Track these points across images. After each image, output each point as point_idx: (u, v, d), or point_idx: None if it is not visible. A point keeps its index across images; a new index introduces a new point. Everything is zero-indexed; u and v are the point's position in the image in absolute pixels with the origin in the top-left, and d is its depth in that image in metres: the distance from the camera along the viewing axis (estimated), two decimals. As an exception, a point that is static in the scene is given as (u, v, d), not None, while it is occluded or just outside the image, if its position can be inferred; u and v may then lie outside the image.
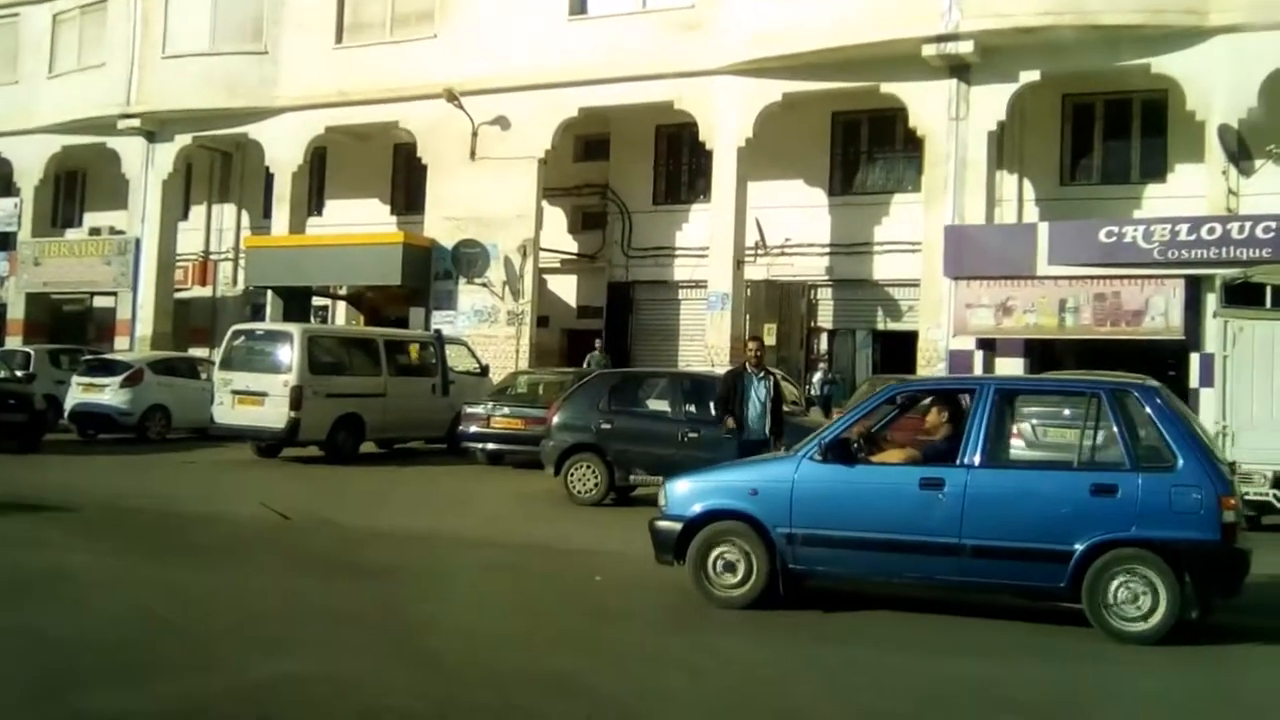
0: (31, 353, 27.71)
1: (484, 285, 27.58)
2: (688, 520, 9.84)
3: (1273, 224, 20.04)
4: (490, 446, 20.75)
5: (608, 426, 16.66)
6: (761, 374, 14.00)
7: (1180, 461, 8.71)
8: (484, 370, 24.97)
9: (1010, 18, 21.71)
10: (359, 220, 31.12)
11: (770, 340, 25.57)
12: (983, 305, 22.29)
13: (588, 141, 29.75)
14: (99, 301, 35.41)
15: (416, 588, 10.49)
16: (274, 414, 20.52)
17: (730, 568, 9.61)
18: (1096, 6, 21.15)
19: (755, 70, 24.50)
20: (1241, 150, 21.07)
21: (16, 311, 34.76)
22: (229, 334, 22.21)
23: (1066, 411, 17.58)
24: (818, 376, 25.23)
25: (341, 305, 31.67)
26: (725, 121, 25.09)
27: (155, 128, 32.43)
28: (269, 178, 31.45)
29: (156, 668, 7.35)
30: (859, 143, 26.99)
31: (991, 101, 22.73)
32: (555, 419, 17.20)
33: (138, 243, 32.88)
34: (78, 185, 37.81)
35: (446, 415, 22.30)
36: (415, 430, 23.34)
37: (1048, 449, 16.62)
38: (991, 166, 23.14)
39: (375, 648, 7.99)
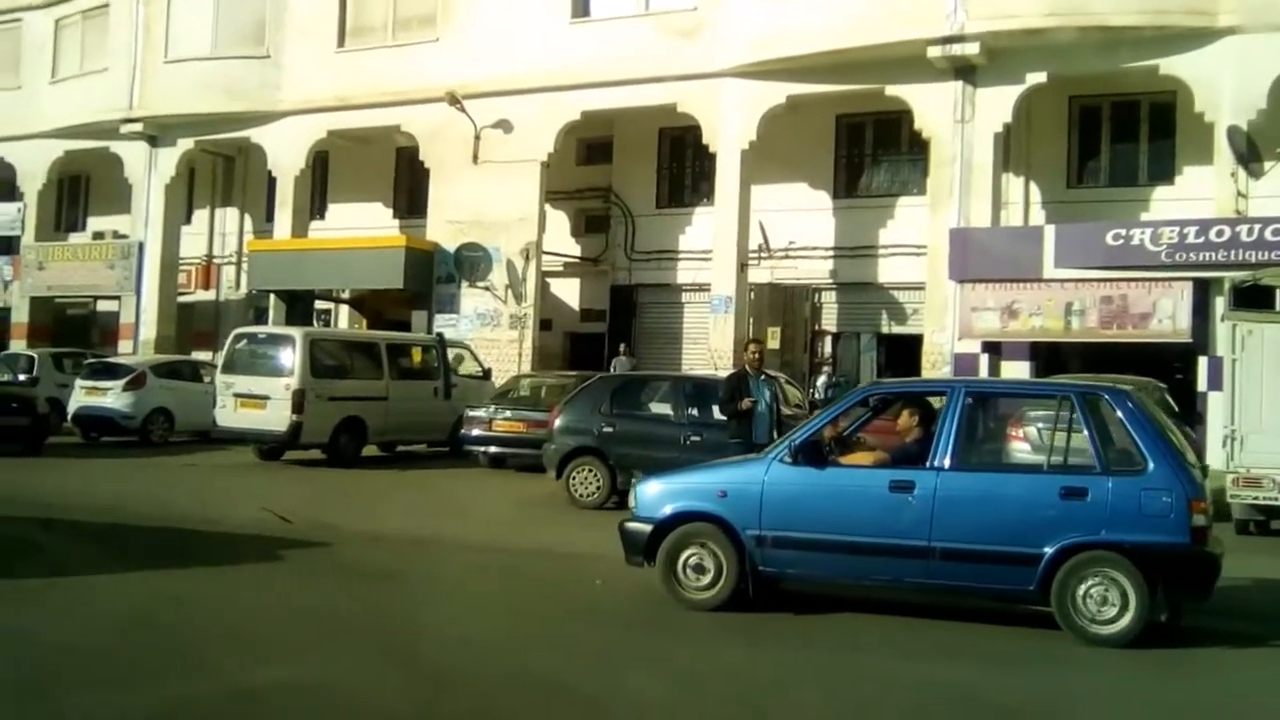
0: (35, 356, 27.61)
1: (486, 289, 27.47)
2: (658, 522, 9.83)
3: (1282, 226, 19.92)
4: (492, 450, 20.64)
5: (610, 430, 16.55)
6: (763, 378, 13.91)
7: (1150, 465, 8.70)
8: (486, 373, 24.86)
9: (1016, 19, 21.57)
10: (361, 224, 31.01)
11: (774, 344, 25.46)
12: (988, 308, 22.16)
13: (590, 144, 29.62)
14: (103, 305, 35.35)
15: (413, 592, 10.37)
16: (276, 417, 20.43)
17: (700, 570, 9.60)
18: (1103, 8, 21.00)
19: (759, 73, 24.38)
20: (1250, 152, 20.87)
21: (20, 315, 34.78)
22: (231, 337, 22.13)
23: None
24: (822, 380, 25.11)
25: (344, 309, 31.57)
26: (729, 124, 24.96)
27: (158, 132, 32.39)
28: (271, 181, 31.35)
29: (147, 673, 7.24)
30: (863, 145, 26.83)
31: (997, 103, 22.58)
32: (557, 422, 17.09)
33: (141, 246, 32.85)
34: (81, 189, 37.80)
35: (449, 418, 22.18)
36: (417, 433, 23.23)
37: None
38: (997, 169, 22.99)
39: (369, 654, 7.87)
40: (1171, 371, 20.97)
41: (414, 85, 27.92)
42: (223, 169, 34.83)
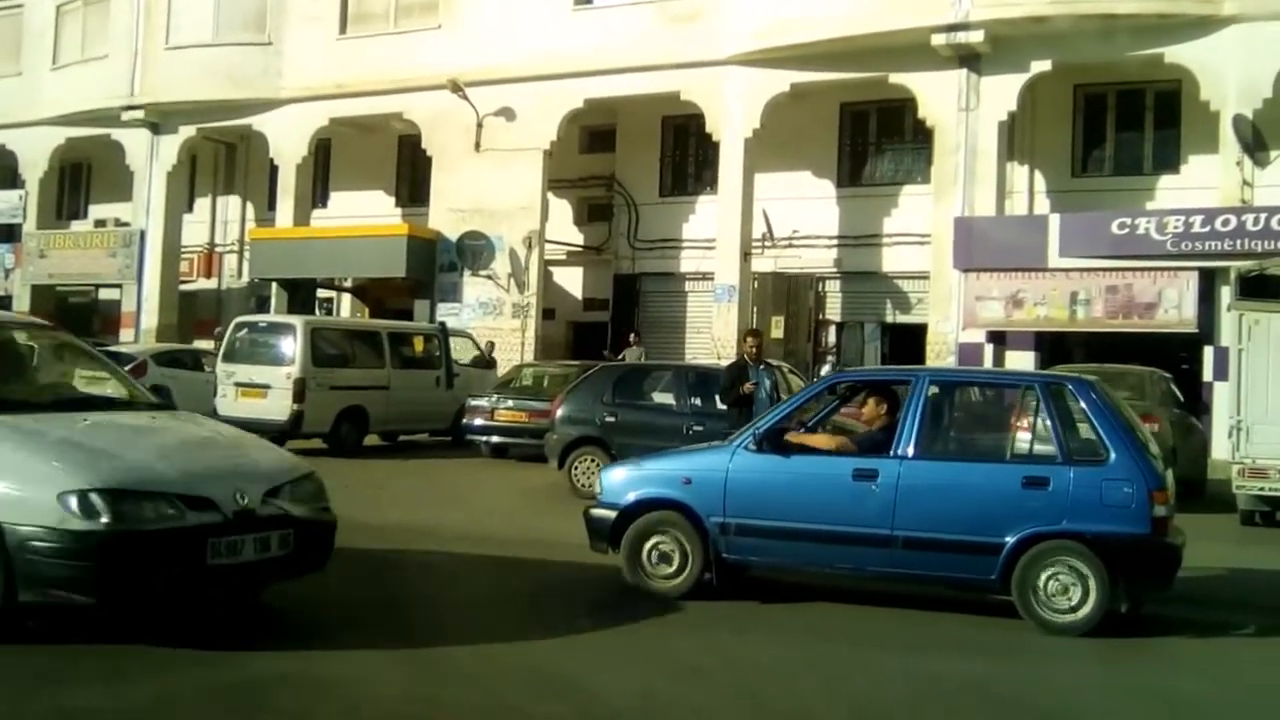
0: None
1: (489, 277, 27.40)
2: (622, 509, 9.80)
3: (1288, 215, 19.82)
4: (494, 439, 20.59)
5: (612, 419, 16.43)
6: (763, 367, 13.83)
7: (1112, 455, 8.70)
8: (489, 363, 24.78)
9: (1021, 7, 21.49)
10: (364, 212, 30.92)
11: (778, 333, 25.36)
12: (992, 298, 22.10)
13: (594, 133, 29.53)
14: (104, 294, 35.27)
15: (412, 583, 10.27)
16: (277, 406, 20.29)
17: (665, 558, 9.58)
18: (1108, -5, 20.95)
19: (763, 61, 24.28)
20: (1256, 141, 20.81)
21: (22, 304, 34.62)
22: (231, 326, 22.04)
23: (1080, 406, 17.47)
24: (825, 369, 24.90)
25: (346, 297, 31.51)
26: (732, 112, 24.87)
27: (159, 119, 32.29)
28: (273, 169, 31.30)
29: (142, 664, 7.15)
30: (868, 134, 26.75)
31: (1002, 92, 22.50)
32: (559, 412, 16.98)
33: (142, 235, 32.82)
34: (83, 177, 37.76)
35: (451, 408, 22.09)
36: (419, 423, 23.10)
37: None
38: (1002, 158, 22.91)
39: (367, 646, 7.78)
40: (1177, 361, 20.89)
41: (416, 73, 27.82)
42: (224, 157, 34.77)
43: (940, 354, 22.62)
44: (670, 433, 15.82)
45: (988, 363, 22.23)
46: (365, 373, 21.53)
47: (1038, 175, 24.19)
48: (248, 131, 31.69)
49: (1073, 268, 21.49)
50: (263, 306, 30.39)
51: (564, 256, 29.38)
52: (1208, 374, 20.74)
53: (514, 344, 26.53)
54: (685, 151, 28.68)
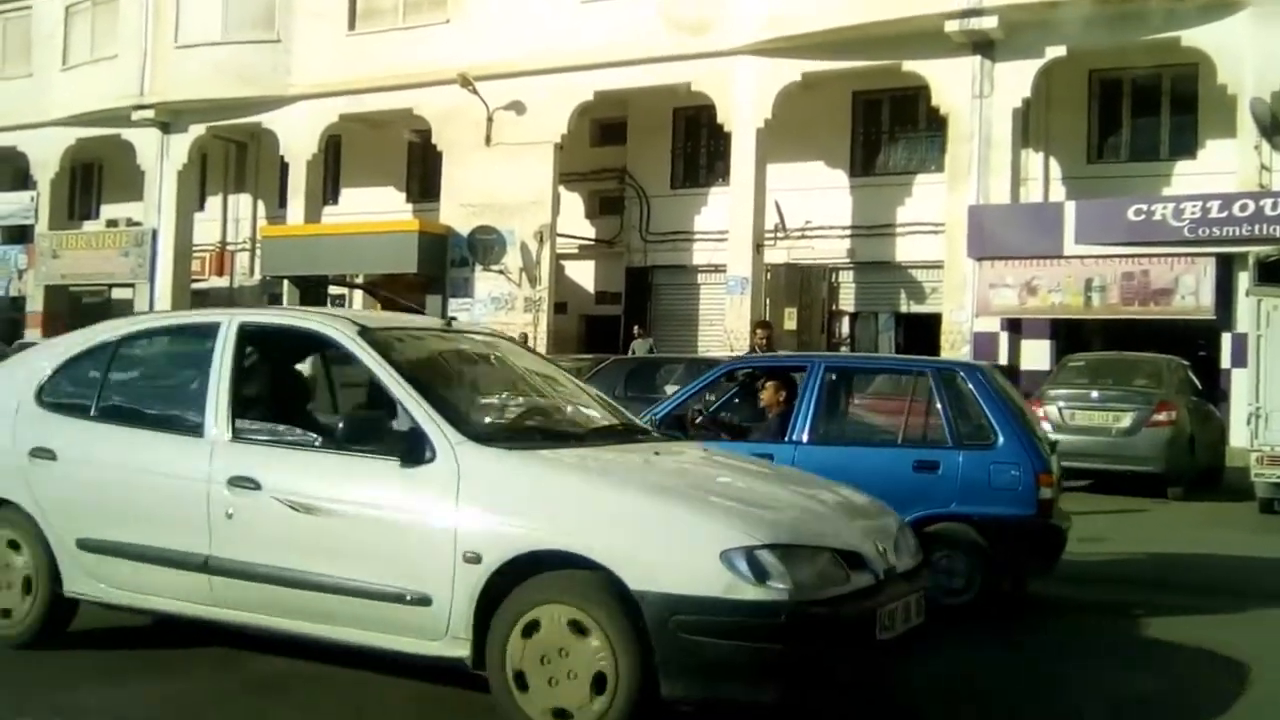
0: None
1: (501, 272, 27.25)
2: None
3: (1307, 200, 19.57)
4: (506, 435, 20.42)
5: (623, 413, 16.26)
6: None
7: (1000, 440, 8.80)
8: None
9: (1034, -9, 21.28)
10: (375, 208, 30.80)
11: (791, 324, 25.25)
12: (1006, 285, 21.88)
13: (604, 125, 29.35)
14: (117, 293, 35.18)
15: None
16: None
17: None
18: (1123, -21, 20.71)
19: (773, 50, 24.07)
20: (1274, 124, 20.51)
21: (35, 304, 34.72)
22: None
23: (1094, 395, 17.29)
24: (840, 360, 24.80)
25: (358, 294, 31.40)
26: (743, 103, 24.66)
27: (169, 118, 32.21)
28: (284, 167, 31.19)
29: (147, 664, 7.02)
30: (880, 122, 26.54)
31: (1016, 78, 22.26)
32: (570, 406, 16.82)
33: (154, 234, 32.75)
34: (94, 177, 37.70)
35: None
36: (430, 420, 22.91)
37: (1073, 431, 16.29)
38: (1016, 145, 22.68)
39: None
40: (1195, 348, 20.67)
41: (425, 68, 27.63)
42: (235, 155, 34.68)
43: (955, 344, 22.42)
44: (679, 424, 15.65)
45: (1003, 352, 22.04)
46: (376, 369, 21.35)
47: (1053, 162, 23.96)
48: (258, 129, 31.60)
49: (1088, 255, 21.26)
50: (275, 304, 30.25)
51: (576, 250, 29.22)
52: (1225, 361, 20.51)
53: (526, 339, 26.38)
54: (697, 143, 28.49)
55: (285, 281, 29.92)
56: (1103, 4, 20.76)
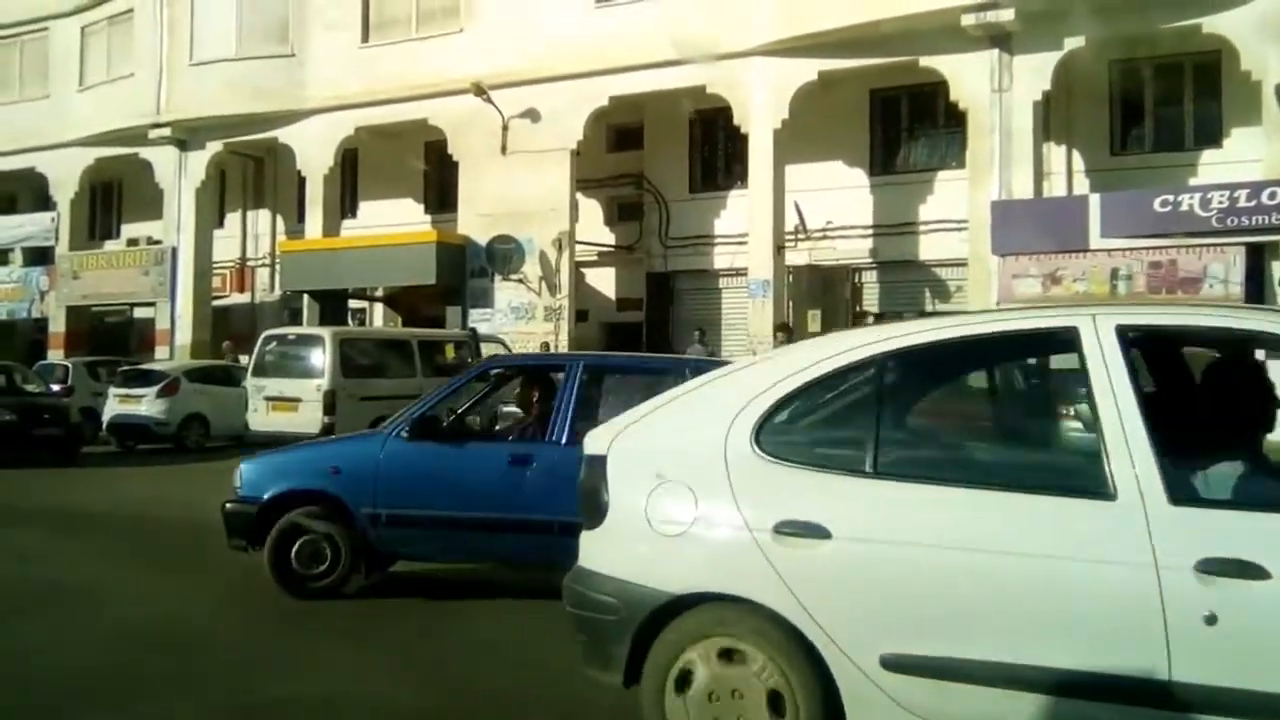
0: (70, 366, 27.53)
1: (520, 281, 27.07)
2: (264, 502, 9.54)
3: (1336, 186, 19.22)
4: (529, 446, 20.24)
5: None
6: (794, 362, 13.42)
7: None
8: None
9: (1052, -19, 20.98)
10: (393, 220, 30.72)
11: (815, 326, 24.97)
12: (1030, 275, 21.55)
13: (621, 131, 29.17)
14: (139, 312, 35.23)
15: (435, 603, 9.90)
16: (308, 419, 20.03)
17: (318, 555, 9.37)
18: (1141, -34, 20.39)
19: (789, 49, 23.83)
20: (1300, 110, 20.19)
21: (58, 325, 34.81)
22: (260, 340, 21.81)
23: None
24: (864, 361, 24.44)
25: (379, 307, 31.32)
26: (760, 104, 24.44)
27: (186, 136, 32.23)
28: (302, 181, 31.12)
29: (149, 689, 6.86)
30: (899, 120, 26.23)
31: (1035, 71, 21.94)
32: (590, 413, 16.61)
33: (174, 252, 32.76)
34: (114, 196, 37.80)
35: (485, 415, 21.74)
36: (453, 431, 22.79)
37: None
38: (1038, 138, 22.34)
39: (383, 668, 7.44)
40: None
41: (440, 78, 27.57)
42: (253, 171, 34.67)
43: (981, 341, 22.08)
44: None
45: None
46: (396, 382, 21.20)
47: (1076, 155, 23.63)
48: (274, 144, 31.53)
49: (1115, 248, 20.92)
50: (296, 319, 30.21)
51: (595, 257, 29.03)
52: (1260, 352, 20.12)
53: (548, 347, 26.22)
54: (714, 146, 28.26)
55: (305, 296, 29.82)
56: (1121, -7, 20.49)
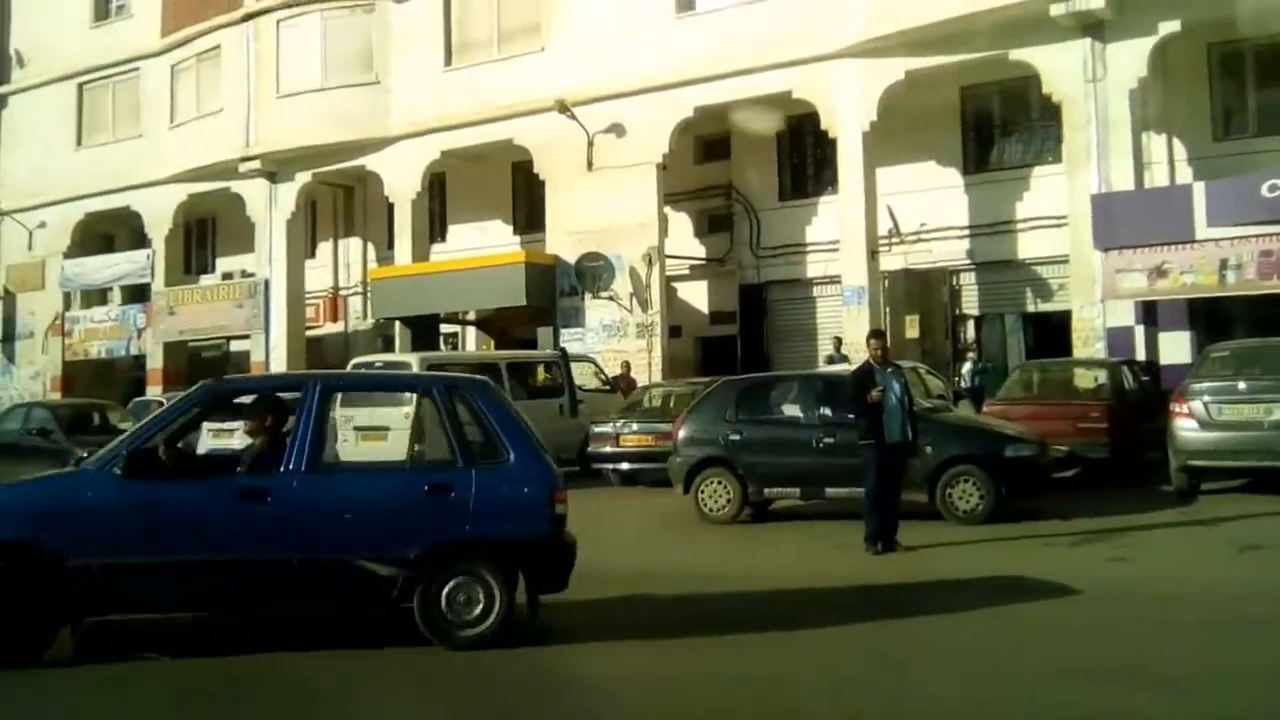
0: (164, 401, 27.57)
1: (610, 298, 26.76)
2: None
3: None
4: (623, 466, 19.90)
5: (737, 438, 15.53)
6: (890, 370, 12.87)
7: (511, 456, 8.51)
8: (612, 387, 24.10)
9: (1143, -35, 20.26)
10: (483, 243, 30.59)
11: (913, 332, 24.41)
12: (1134, 269, 20.76)
13: (708, 142, 28.76)
14: (235, 345, 35.46)
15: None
16: (397, 448, 19.84)
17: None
18: (1238, -57, 19.58)
19: (874, 50, 23.33)
20: None
21: (155, 361, 35.04)
22: (347, 369, 21.71)
23: (1242, 386, 16.10)
24: (967, 367, 23.77)
25: (471, 330, 31.20)
26: (847, 107, 23.97)
27: (275, 168, 32.39)
28: (390, 208, 31.13)
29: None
30: (991, 116, 25.64)
31: (1130, 58, 21.24)
32: (681, 433, 16.16)
33: (267, 284, 32.88)
34: (208, 232, 38.11)
35: (576, 436, 21.36)
36: (544, 453, 22.48)
37: (1221, 428, 15.18)
38: (1136, 128, 21.60)
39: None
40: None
41: (523, 97, 27.47)
42: (342, 200, 34.78)
43: (1087, 340, 21.40)
44: (800, 448, 15.04)
45: (1140, 347, 20.95)
46: (486, 406, 21.00)
47: (1176, 143, 22.82)
48: (362, 172, 31.55)
49: (1222, 237, 20.07)
50: (389, 346, 30.17)
51: (686, 271, 28.65)
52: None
53: (641, 365, 25.89)
54: (803, 152, 27.81)
55: (397, 323, 29.78)
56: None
